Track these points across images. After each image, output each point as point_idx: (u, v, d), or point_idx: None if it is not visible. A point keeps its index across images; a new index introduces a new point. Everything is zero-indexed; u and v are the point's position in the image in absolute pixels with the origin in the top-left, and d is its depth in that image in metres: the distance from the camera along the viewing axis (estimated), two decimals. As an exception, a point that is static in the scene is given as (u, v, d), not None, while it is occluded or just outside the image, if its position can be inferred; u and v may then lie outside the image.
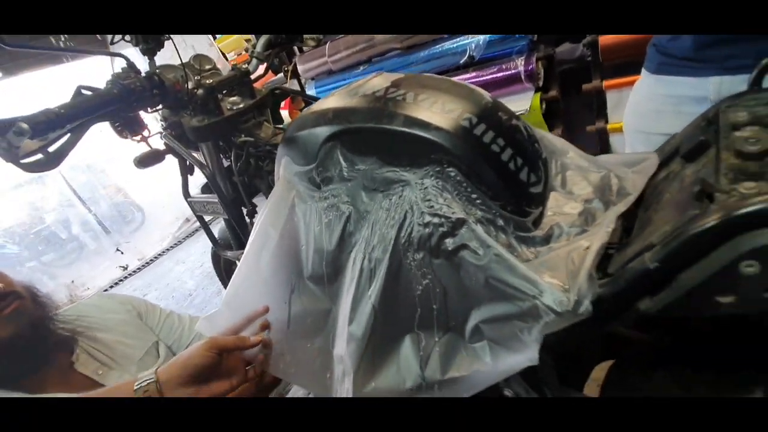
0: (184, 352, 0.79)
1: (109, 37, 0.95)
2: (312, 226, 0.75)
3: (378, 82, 0.79)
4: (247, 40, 3.66)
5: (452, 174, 0.69)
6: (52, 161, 0.87)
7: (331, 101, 0.80)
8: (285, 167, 0.82)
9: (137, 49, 1.01)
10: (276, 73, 3.46)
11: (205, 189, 1.35)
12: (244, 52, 3.75)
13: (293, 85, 3.42)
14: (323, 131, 0.77)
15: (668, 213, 0.55)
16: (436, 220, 0.67)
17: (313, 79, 3.20)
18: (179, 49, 1.07)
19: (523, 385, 0.67)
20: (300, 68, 3.20)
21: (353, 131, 0.74)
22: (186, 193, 1.39)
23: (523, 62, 2.25)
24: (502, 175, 0.68)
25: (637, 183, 0.69)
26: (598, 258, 0.57)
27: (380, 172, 0.72)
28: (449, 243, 0.67)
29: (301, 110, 2.61)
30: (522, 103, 2.25)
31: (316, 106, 0.81)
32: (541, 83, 2.31)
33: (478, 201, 0.68)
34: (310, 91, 3.16)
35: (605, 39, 2.09)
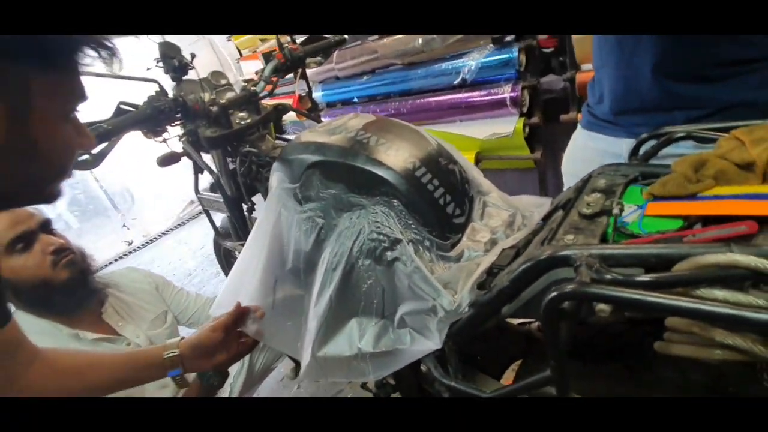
0: (196, 333, 1.05)
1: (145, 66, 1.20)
2: (293, 232, 1.00)
3: (353, 123, 1.03)
4: (262, 40, 3.90)
5: (396, 204, 0.93)
6: (96, 162, 1.12)
7: (316, 135, 1.04)
8: (277, 181, 1.06)
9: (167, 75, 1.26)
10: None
11: (213, 188, 1.60)
12: (258, 49, 3.98)
13: (302, 86, 3.65)
14: (306, 159, 1.01)
15: (531, 247, 0.79)
16: (381, 237, 0.92)
17: (321, 82, 3.44)
18: (198, 41, 1.32)
19: (434, 362, 0.91)
20: (309, 72, 3.43)
21: (328, 163, 0.99)
22: (196, 190, 1.64)
23: (510, 89, 2.47)
24: (433, 208, 0.93)
25: (532, 222, 0.93)
26: (484, 275, 0.81)
27: (346, 196, 0.97)
28: (388, 255, 0.91)
29: (308, 110, 2.78)
30: (507, 126, 2.47)
31: (305, 137, 1.06)
32: (525, 109, 2.52)
33: (412, 226, 0.92)
34: (317, 94, 3.40)
35: (582, 76, 2.32)
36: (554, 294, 0.57)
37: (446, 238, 0.92)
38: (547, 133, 2.74)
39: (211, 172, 1.45)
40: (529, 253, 0.75)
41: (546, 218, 0.93)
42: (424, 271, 0.83)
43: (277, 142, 1.42)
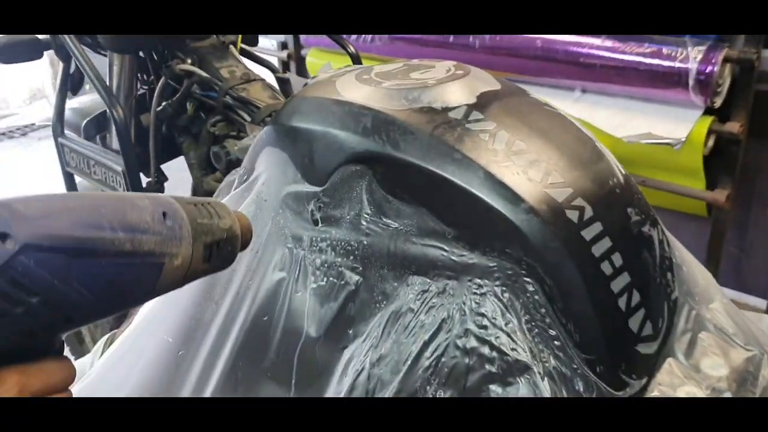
0: None
1: None
2: (290, 290, 0.49)
3: (455, 89, 0.51)
4: None
5: (529, 288, 0.44)
6: None
7: (371, 93, 0.51)
8: (268, 171, 0.54)
9: None
10: None
11: (92, 129, 0.94)
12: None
13: None
14: (350, 142, 0.49)
15: None
16: (485, 350, 0.43)
17: None
18: None
19: None
20: None
21: (398, 163, 0.47)
22: (59, 128, 0.94)
23: (699, 56, 1.35)
24: (604, 312, 0.44)
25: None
26: None
27: (421, 241, 0.46)
28: (494, 390, 0.43)
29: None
30: (676, 125, 1.42)
31: (348, 91, 0.53)
32: (718, 102, 1.40)
33: (556, 342, 0.43)
34: None
35: None
36: None
37: (621, 383, 0.44)
38: (750, 156, 1.49)
39: (105, 95, 0.80)
40: None
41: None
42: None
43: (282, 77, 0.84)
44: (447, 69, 0.55)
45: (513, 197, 0.44)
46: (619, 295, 0.44)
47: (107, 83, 0.78)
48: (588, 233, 0.45)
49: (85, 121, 0.91)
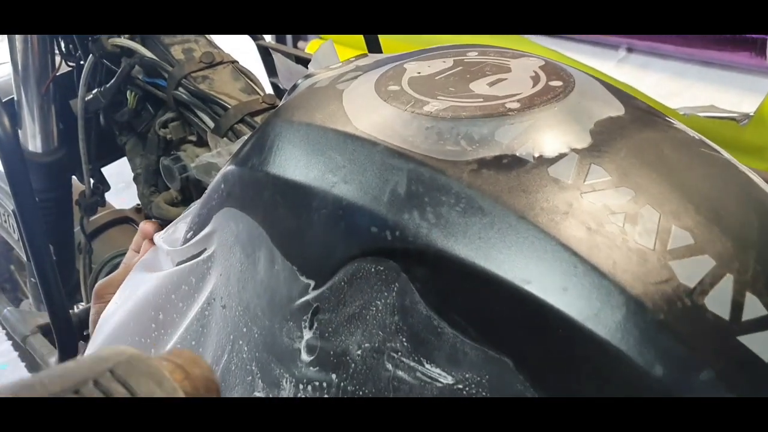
0: None
1: None
2: None
3: (555, 122, 0.29)
4: None
5: None
6: None
7: (404, 124, 0.29)
8: (227, 252, 0.32)
9: None
10: None
11: None
12: None
13: None
14: (369, 219, 0.28)
15: None
16: None
17: None
18: None
19: None
20: None
21: (455, 267, 0.26)
22: None
23: None
24: None
25: None
26: None
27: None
28: None
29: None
30: (741, 96, 1.24)
31: (361, 112, 0.31)
32: None
33: None
34: None
35: None
36: None
37: None
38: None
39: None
40: None
41: None
42: None
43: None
44: (533, 73, 0.32)
45: (686, 357, 0.23)
46: None
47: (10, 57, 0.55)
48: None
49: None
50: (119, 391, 0.18)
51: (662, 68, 1.38)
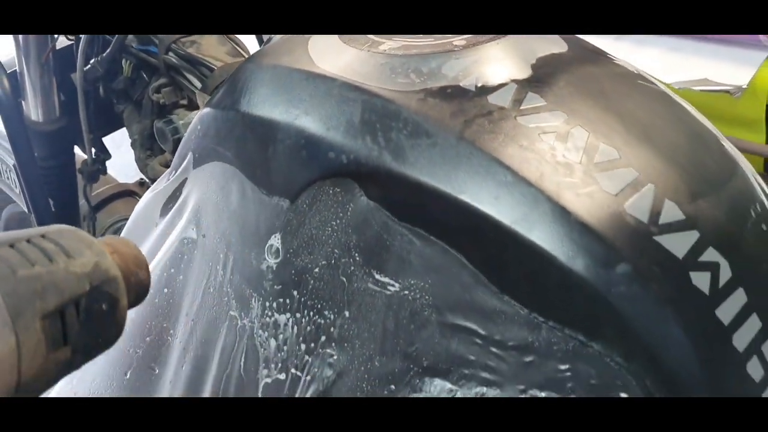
0: None
1: None
2: (233, 385, 0.31)
3: (497, 56, 0.31)
4: None
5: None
6: None
7: (361, 62, 0.32)
8: (204, 187, 0.35)
9: None
10: None
11: None
12: None
13: None
14: (327, 144, 0.30)
15: None
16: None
17: None
18: None
19: None
20: None
21: (403, 184, 0.28)
22: None
23: None
24: None
25: None
26: None
27: (442, 319, 0.28)
28: None
29: None
30: (735, 68, 1.25)
31: (324, 55, 0.33)
32: None
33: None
34: None
35: None
36: None
37: None
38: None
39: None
40: None
41: None
42: None
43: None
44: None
45: (605, 253, 0.25)
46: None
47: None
48: (726, 312, 0.26)
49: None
50: (50, 248, 0.21)
51: (658, 43, 1.38)
